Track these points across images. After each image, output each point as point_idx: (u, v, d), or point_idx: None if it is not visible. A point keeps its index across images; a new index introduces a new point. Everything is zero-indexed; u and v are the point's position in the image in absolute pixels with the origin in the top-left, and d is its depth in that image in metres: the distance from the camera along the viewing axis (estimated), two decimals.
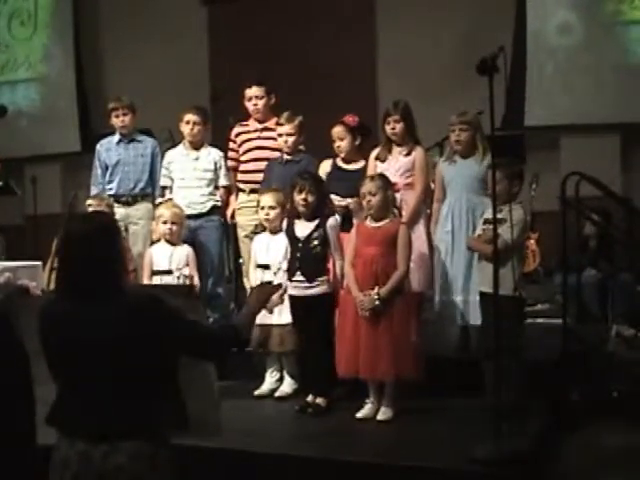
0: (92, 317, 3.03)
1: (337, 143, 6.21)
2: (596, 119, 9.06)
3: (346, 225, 5.81)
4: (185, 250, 6.23)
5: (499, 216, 4.87)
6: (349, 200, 5.94)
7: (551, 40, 9.40)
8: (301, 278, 5.63)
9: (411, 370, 5.23)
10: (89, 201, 6.59)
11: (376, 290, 5.25)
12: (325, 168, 6.26)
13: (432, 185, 6.29)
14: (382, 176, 5.56)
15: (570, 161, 8.47)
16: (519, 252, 5.26)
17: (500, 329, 4.51)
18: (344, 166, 6.26)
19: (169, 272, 6.13)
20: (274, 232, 6.01)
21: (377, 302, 5.23)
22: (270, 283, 4.17)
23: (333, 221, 5.68)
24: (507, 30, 9.35)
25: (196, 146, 6.88)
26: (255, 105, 6.85)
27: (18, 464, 3.59)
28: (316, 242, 5.61)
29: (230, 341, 3.37)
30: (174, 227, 6.21)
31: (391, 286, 5.26)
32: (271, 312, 5.90)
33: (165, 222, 6.22)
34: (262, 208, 6.03)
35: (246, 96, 6.89)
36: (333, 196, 5.96)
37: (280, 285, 4.52)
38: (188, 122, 6.82)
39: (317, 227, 5.63)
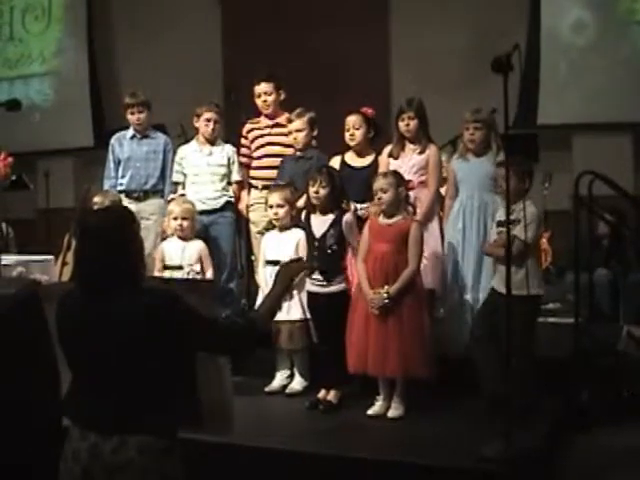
0: (108, 311, 3.03)
1: (351, 131, 6.18)
2: (609, 118, 9.02)
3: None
4: (197, 246, 6.23)
5: (511, 217, 4.86)
6: (367, 205, 5.93)
7: (565, 38, 9.37)
8: (319, 277, 5.64)
9: (421, 368, 5.24)
10: (95, 198, 6.58)
11: (386, 288, 5.25)
12: (334, 166, 6.24)
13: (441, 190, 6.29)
14: (395, 173, 5.55)
15: (582, 160, 8.45)
16: (536, 249, 5.26)
17: (515, 330, 4.51)
18: (353, 163, 6.25)
19: (180, 267, 6.14)
20: (283, 229, 6.02)
21: (386, 300, 5.23)
22: (299, 260, 4.07)
23: (349, 217, 5.67)
24: (521, 26, 9.34)
25: (211, 142, 6.89)
26: (264, 101, 6.85)
27: (45, 448, 3.62)
28: (332, 240, 5.61)
29: (251, 338, 3.32)
30: (185, 223, 6.21)
31: (400, 284, 5.26)
32: (280, 308, 5.92)
33: (176, 218, 6.22)
34: (271, 207, 6.04)
35: (255, 92, 6.89)
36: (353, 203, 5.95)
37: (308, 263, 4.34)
38: (209, 120, 6.82)
39: (332, 224, 5.63)
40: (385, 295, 5.23)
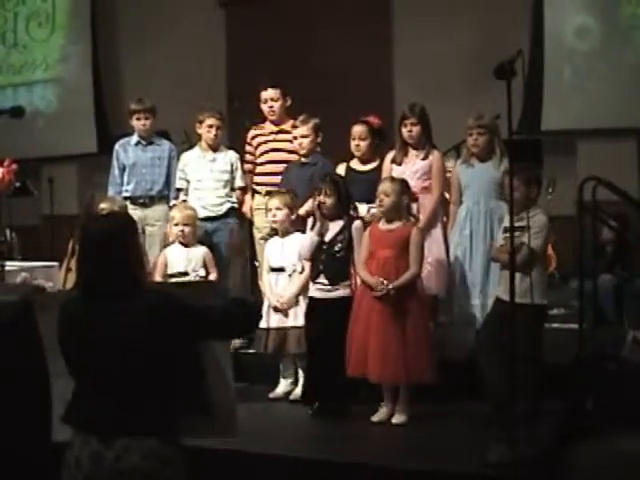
0: (110, 316, 3.05)
1: (357, 142, 6.21)
2: (613, 123, 9.01)
3: None
4: (201, 251, 6.24)
5: (520, 224, 4.87)
6: (365, 206, 5.93)
7: (568, 44, 9.36)
8: (324, 281, 5.64)
9: (424, 373, 5.24)
10: (102, 204, 6.58)
11: (386, 282, 5.25)
12: (339, 172, 6.25)
13: (445, 193, 6.27)
14: (402, 181, 5.56)
15: (586, 165, 8.44)
16: (543, 259, 5.26)
17: (519, 338, 4.50)
18: (358, 167, 6.28)
19: (185, 274, 6.14)
20: (285, 234, 6.02)
21: (387, 288, 5.21)
22: None
23: (359, 224, 5.68)
24: (524, 31, 9.34)
25: (214, 148, 6.90)
26: (270, 107, 6.87)
27: (32, 458, 3.63)
28: (340, 245, 5.62)
29: (249, 314, 3.42)
30: (186, 229, 6.22)
31: (402, 282, 5.27)
32: (287, 315, 5.92)
33: (177, 224, 6.24)
34: (269, 210, 6.05)
35: (261, 98, 6.91)
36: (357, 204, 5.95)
37: None
38: (211, 126, 6.84)
39: (342, 230, 5.64)
40: (385, 283, 5.22)
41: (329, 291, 5.64)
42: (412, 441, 5.10)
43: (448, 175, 6.26)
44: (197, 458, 3.27)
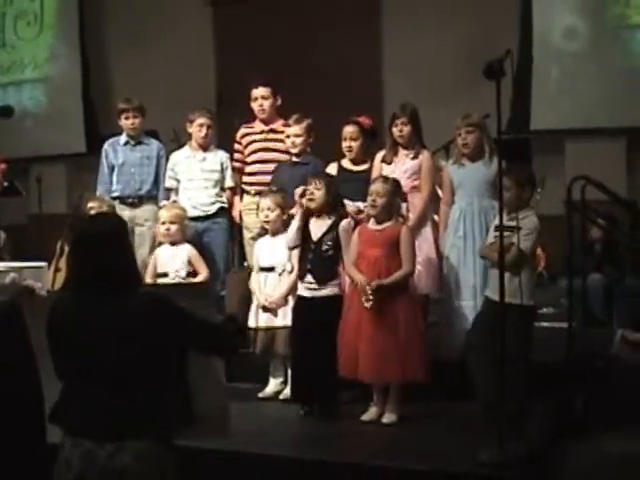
0: (101, 317, 3.03)
1: (348, 143, 6.21)
2: (601, 123, 9.03)
3: None
4: (184, 250, 6.23)
5: (511, 224, 4.88)
6: (360, 204, 5.91)
7: (557, 44, 9.38)
8: (312, 280, 5.62)
9: (417, 372, 5.23)
10: (90, 204, 6.57)
11: (373, 283, 5.24)
12: (331, 171, 6.25)
13: (438, 190, 6.27)
14: (395, 181, 5.55)
15: (575, 165, 8.45)
16: (532, 260, 5.27)
17: (507, 338, 4.51)
18: (350, 167, 6.27)
19: (164, 275, 6.15)
20: (275, 234, 6.02)
21: (371, 290, 5.20)
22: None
23: (346, 224, 5.66)
24: (513, 32, 9.35)
25: (204, 147, 6.89)
26: (261, 106, 6.86)
27: (27, 460, 3.62)
28: (328, 245, 5.60)
29: (238, 336, 3.41)
30: (172, 227, 6.22)
31: (391, 281, 5.26)
32: (275, 315, 5.91)
33: (164, 223, 6.24)
34: (261, 210, 6.04)
35: (252, 96, 6.90)
36: (345, 201, 5.94)
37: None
38: (201, 125, 6.84)
39: (330, 229, 5.63)
40: (371, 285, 5.20)
41: (317, 290, 5.62)
42: (402, 441, 5.09)
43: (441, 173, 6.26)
44: (188, 458, 3.27)
